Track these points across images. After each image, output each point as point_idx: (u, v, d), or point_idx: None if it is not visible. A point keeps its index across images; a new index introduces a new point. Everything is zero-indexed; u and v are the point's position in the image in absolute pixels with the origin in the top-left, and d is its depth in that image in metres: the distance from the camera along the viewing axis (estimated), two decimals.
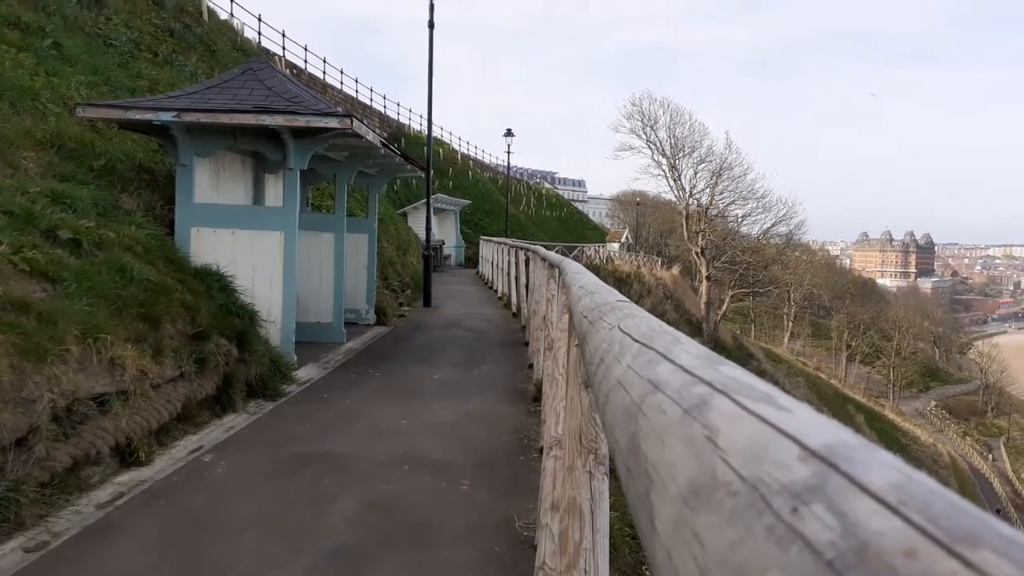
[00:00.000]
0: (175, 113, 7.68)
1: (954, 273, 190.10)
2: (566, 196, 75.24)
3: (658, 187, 54.45)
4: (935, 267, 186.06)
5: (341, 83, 33.98)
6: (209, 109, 7.83)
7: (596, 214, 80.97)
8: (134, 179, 8.28)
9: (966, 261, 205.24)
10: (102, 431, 4.82)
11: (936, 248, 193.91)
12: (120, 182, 7.95)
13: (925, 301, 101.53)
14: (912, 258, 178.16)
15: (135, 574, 3.67)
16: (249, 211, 9.26)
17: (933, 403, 61.90)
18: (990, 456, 52.41)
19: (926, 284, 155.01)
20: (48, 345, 4.62)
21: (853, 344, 63.03)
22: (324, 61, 32.58)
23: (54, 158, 7.53)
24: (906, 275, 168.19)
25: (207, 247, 7.97)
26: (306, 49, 30.12)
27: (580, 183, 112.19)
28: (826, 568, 0.31)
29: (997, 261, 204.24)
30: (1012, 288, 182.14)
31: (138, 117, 7.77)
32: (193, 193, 8.15)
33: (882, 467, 0.38)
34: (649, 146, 47.04)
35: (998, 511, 37.14)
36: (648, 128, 46.84)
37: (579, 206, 76.07)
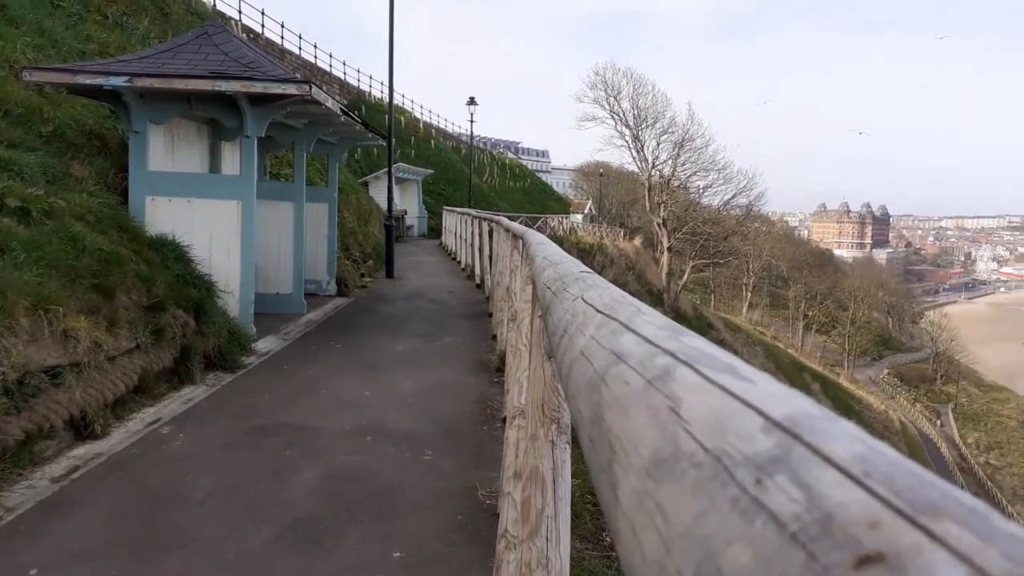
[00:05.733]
0: (127, 78, 7.44)
1: (908, 244, 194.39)
2: (530, 167, 75.00)
3: (621, 158, 54.54)
4: (890, 238, 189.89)
5: (300, 48, 33.29)
6: (163, 74, 7.60)
7: (560, 185, 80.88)
8: (85, 146, 8.03)
9: (919, 232, 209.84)
10: (55, 404, 4.72)
11: (891, 219, 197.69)
12: (70, 149, 7.71)
13: (880, 271, 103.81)
14: (868, 229, 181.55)
15: (92, 547, 3.62)
16: (205, 179, 9.06)
17: (886, 371, 63.58)
18: (938, 422, 54.14)
19: (881, 255, 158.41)
20: None
21: (810, 314, 64.36)
22: (282, 26, 31.84)
23: (0, 124, 7.26)
24: (862, 246, 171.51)
25: (162, 216, 7.79)
26: (263, 13, 29.39)
27: (544, 153, 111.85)
28: (791, 541, 0.31)
29: (949, 232, 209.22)
30: (963, 259, 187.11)
31: (88, 82, 7.52)
32: (147, 161, 7.94)
33: (845, 437, 0.37)
34: (612, 117, 47.09)
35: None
36: (611, 98, 46.85)
37: (543, 177, 75.90)
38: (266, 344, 8.30)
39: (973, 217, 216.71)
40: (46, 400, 4.67)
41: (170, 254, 7.25)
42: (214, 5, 23.94)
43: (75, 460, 4.70)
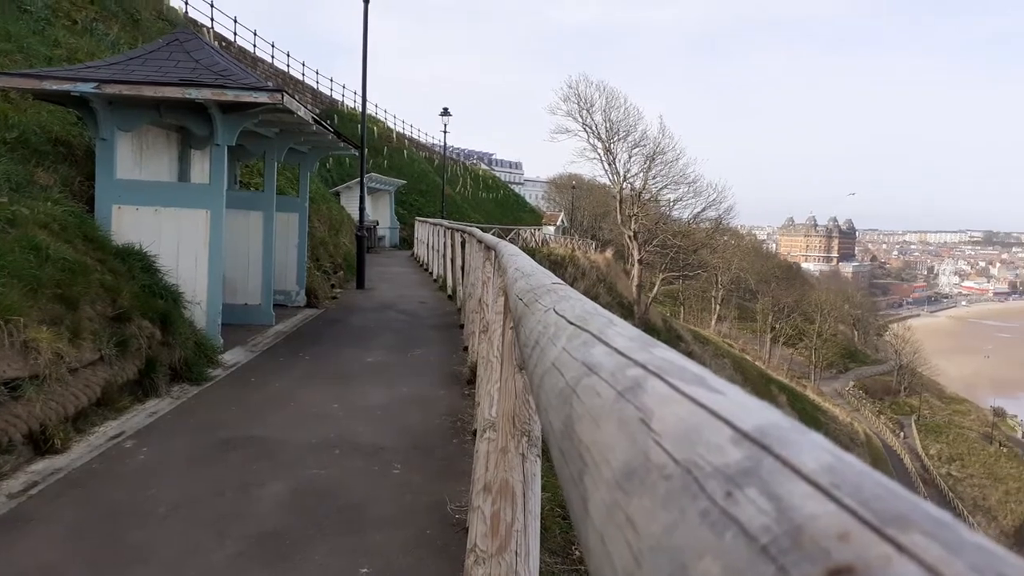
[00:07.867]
0: (95, 84, 7.33)
1: (873, 258, 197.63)
2: (503, 178, 75.09)
3: (593, 171, 55.05)
4: (856, 252, 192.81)
5: (272, 57, 33.13)
6: (132, 81, 7.50)
7: (532, 197, 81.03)
8: (50, 153, 7.89)
9: (884, 246, 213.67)
10: (14, 417, 4.61)
11: (857, 233, 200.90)
12: (35, 156, 7.57)
13: (846, 285, 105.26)
14: (835, 243, 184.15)
15: (50, 565, 3.53)
16: (174, 188, 8.94)
17: (851, 383, 64.43)
18: (902, 433, 54.95)
19: (847, 268, 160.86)
20: None
21: (777, 326, 65.06)
22: (255, 34, 31.71)
23: None
24: (829, 259, 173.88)
25: (129, 225, 7.67)
26: (236, 21, 29.22)
27: (517, 165, 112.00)
28: (761, 554, 0.31)
29: (913, 247, 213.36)
30: (926, 273, 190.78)
31: (55, 87, 7.39)
32: (114, 169, 7.82)
33: (814, 449, 0.38)
34: (585, 129, 47.48)
35: None
36: (584, 111, 47.26)
37: (516, 188, 76.03)
38: (233, 356, 8.19)
39: (936, 232, 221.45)
40: (4, 413, 4.56)
41: (136, 264, 7.14)
42: (186, 12, 23.73)
43: (33, 475, 4.58)
